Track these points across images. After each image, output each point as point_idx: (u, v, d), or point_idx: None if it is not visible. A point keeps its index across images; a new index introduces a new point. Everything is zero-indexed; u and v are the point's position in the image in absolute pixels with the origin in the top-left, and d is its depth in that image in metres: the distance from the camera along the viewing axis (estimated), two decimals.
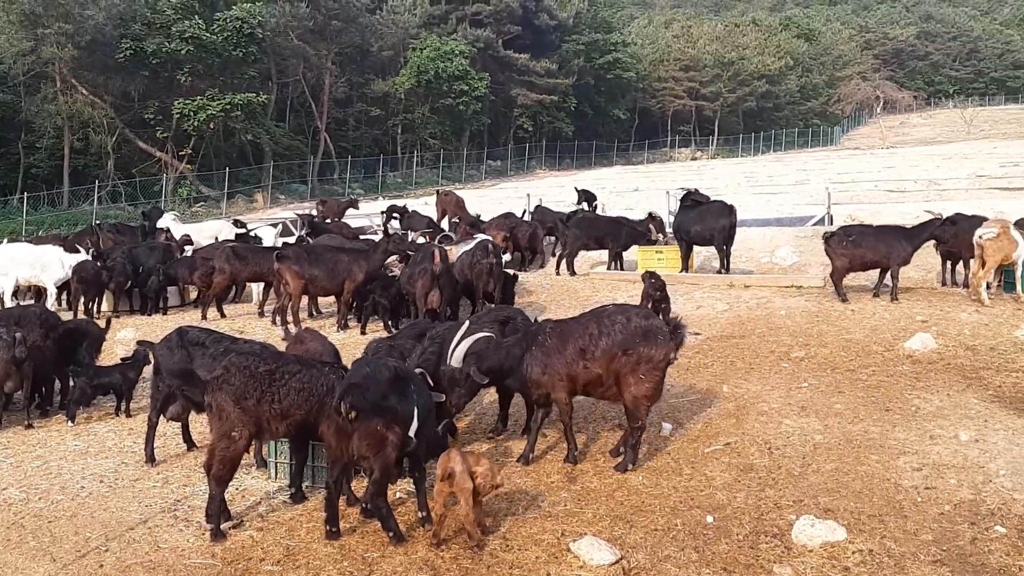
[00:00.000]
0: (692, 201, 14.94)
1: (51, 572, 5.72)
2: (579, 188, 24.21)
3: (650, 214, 18.03)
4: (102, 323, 10.31)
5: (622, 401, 7.03)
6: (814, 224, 19.96)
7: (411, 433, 5.77)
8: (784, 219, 20.68)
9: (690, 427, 7.85)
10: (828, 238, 12.42)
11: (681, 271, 14.67)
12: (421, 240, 13.92)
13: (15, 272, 14.16)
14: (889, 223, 13.93)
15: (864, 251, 12.16)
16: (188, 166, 41.15)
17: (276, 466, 7.25)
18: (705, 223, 14.14)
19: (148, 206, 33.20)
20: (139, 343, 8.27)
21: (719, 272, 14.48)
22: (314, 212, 24.61)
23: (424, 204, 28.25)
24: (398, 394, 5.73)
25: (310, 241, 15.64)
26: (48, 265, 14.20)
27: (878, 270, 12.66)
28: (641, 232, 15.84)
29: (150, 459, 7.69)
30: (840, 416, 7.88)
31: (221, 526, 6.10)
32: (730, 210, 14.06)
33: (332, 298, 13.91)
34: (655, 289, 11.52)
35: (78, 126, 38.76)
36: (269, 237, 18.69)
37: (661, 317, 11.58)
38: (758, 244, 16.85)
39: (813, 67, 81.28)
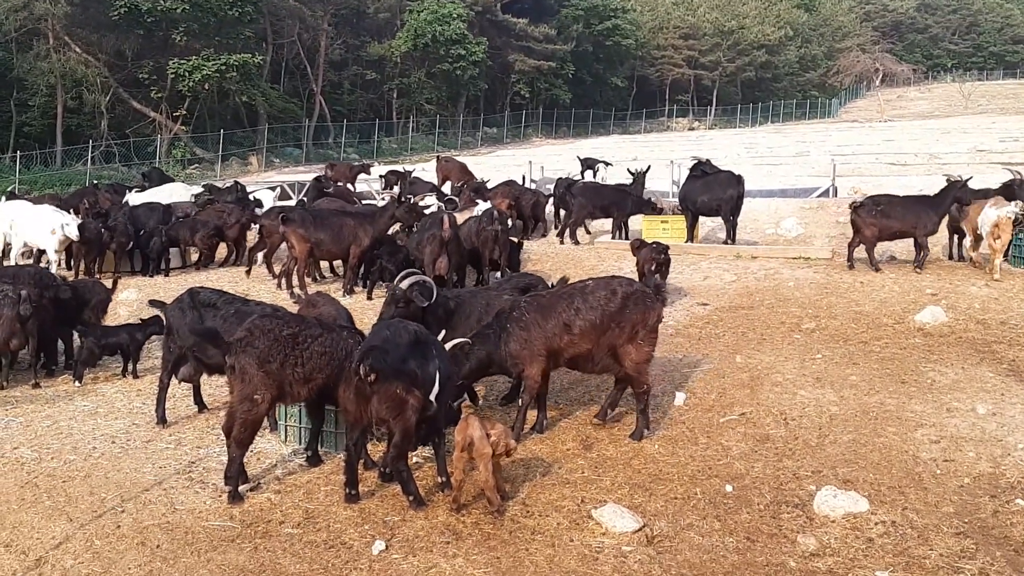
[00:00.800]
0: (701, 171, 14.81)
1: (68, 532, 5.68)
2: (581, 157, 24.01)
3: (629, 171, 17.81)
4: (108, 283, 10.21)
5: (623, 371, 7.02)
6: (818, 196, 19.87)
7: (432, 397, 5.71)
8: (788, 190, 20.58)
9: (704, 397, 7.82)
10: (857, 207, 12.35)
11: (687, 241, 14.57)
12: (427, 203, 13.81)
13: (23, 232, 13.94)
14: (913, 193, 13.79)
15: (892, 221, 12.15)
16: (182, 127, 40.73)
17: (287, 429, 7.23)
18: (712, 193, 14.03)
19: (143, 167, 33.00)
20: (151, 303, 8.17)
21: (725, 243, 14.40)
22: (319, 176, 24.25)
23: (422, 170, 27.98)
24: (418, 357, 5.67)
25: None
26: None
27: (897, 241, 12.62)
28: (647, 201, 15.70)
29: (161, 420, 7.64)
30: (855, 388, 7.86)
31: (239, 488, 6.06)
32: (738, 180, 13.96)
33: (334, 263, 13.87)
34: (658, 252, 11.53)
35: (71, 84, 38.15)
36: (268, 200, 18.52)
37: (659, 278, 11.68)
38: (763, 215, 16.76)
39: (812, 38, 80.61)
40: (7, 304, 8.42)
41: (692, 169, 15.10)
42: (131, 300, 11.99)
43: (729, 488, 6.02)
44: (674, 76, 69.54)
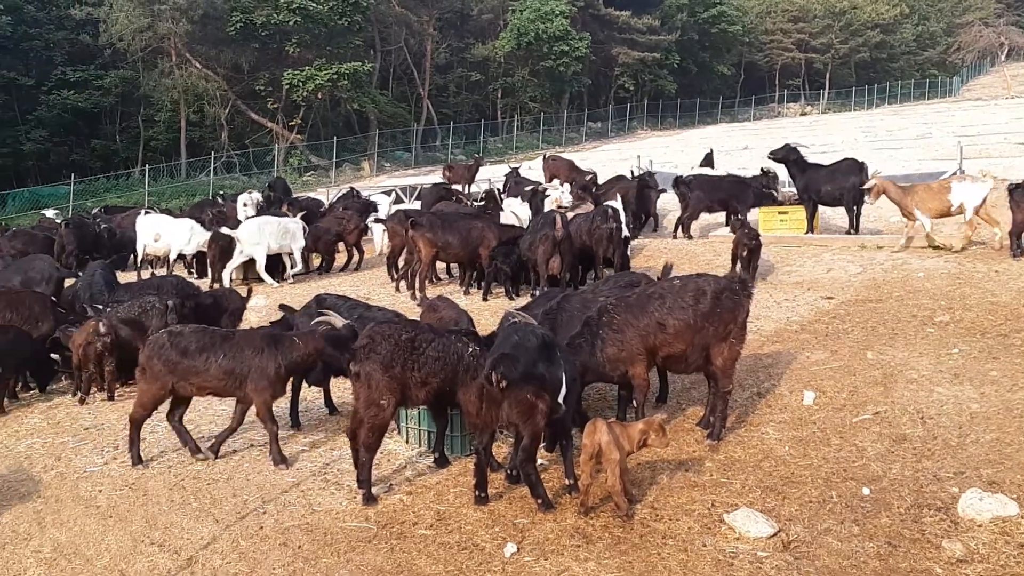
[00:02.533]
0: (795, 158, 14.39)
1: (215, 533, 5.96)
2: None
3: (763, 170, 17.46)
4: (243, 291, 10.67)
5: (712, 369, 6.89)
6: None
7: (559, 400, 5.74)
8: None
9: (834, 396, 7.58)
10: (1012, 190, 11.61)
11: (807, 232, 14.16)
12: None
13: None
14: None
15: None
16: (298, 136, 42.15)
17: (408, 431, 7.37)
18: (835, 182, 13.58)
19: (262, 176, 34.40)
20: (281, 307, 8.49)
21: (848, 233, 13.91)
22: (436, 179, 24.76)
23: (528, 168, 28.12)
24: (546, 361, 5.69)
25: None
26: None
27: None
28: (767, 194, 15.27)
29: (295, 424, 7.93)
30: (997, 384, 7.49)
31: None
32: (860, 167, 13.48)
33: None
34: (749, 239, 11.69)
35: (193, 99, 40.11)
36: (383, 204, 19.00)
37: (751, 263, 11.51)
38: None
39: (930, 14, 76.93)
40: (155, 314, 8.93)
41: (787, 160, 14.64)
42: (260, 307, 12.47)
43: (866, 491, 5.83)
44: (784, 61, 67.71)
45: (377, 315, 8.23)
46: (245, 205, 18.01)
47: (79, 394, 9.21)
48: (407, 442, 7.36)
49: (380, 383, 6.00)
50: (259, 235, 14.26)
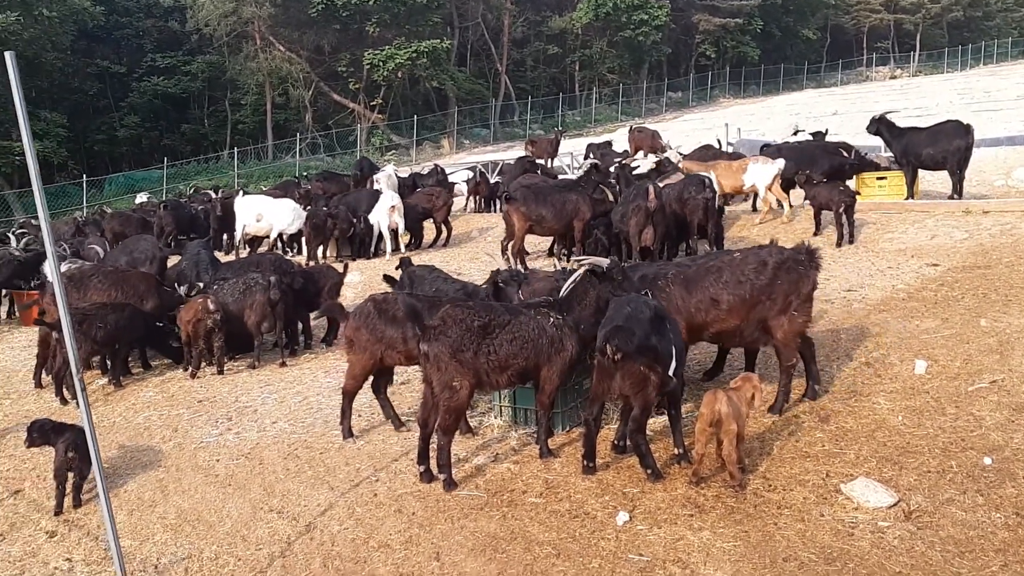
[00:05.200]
0: (885, 126, 13.94)
1: (331, 500, 6.13)
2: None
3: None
4: (339, 267, 10.89)
5: (772, 343, 6.72)
6: None
7: (671, 372, 5.71)
8: (1016, 138, 18.80)
9: (948, 364, 7.34)
10: None
11: (907, 198, 13.68)
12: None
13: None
14: None
15: None
16: (379, 116, 42.61)
17: (500, 408, 7.34)
18: (938, 145, 13.02)
19: (345, 156, 34.96)
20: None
21: (951, 198, 13.38)
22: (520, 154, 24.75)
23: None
24: (658, 334, 5.66)
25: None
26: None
27: None
28: (869, 162, 14.64)
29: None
30: None
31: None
32: (966, 130, 12.90)
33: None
34: (845, 195, 12.06)
35: (277, 82, 40.92)
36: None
37: (847, 219, 11.82)
38: (989, 166, 15.44)
39: None
40: (258, 290, 9.20)
41: (875, 129, 14.21)
42: (355, 283, 12.70)
43: (988, 460, 5.65)
44: (871, 22, 65.29)
45: (449, 287, 8.35)
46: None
47: (190, 369, 9.55)
48: (499, 416, 7.35)
49: (449, 366, 5.90)
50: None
